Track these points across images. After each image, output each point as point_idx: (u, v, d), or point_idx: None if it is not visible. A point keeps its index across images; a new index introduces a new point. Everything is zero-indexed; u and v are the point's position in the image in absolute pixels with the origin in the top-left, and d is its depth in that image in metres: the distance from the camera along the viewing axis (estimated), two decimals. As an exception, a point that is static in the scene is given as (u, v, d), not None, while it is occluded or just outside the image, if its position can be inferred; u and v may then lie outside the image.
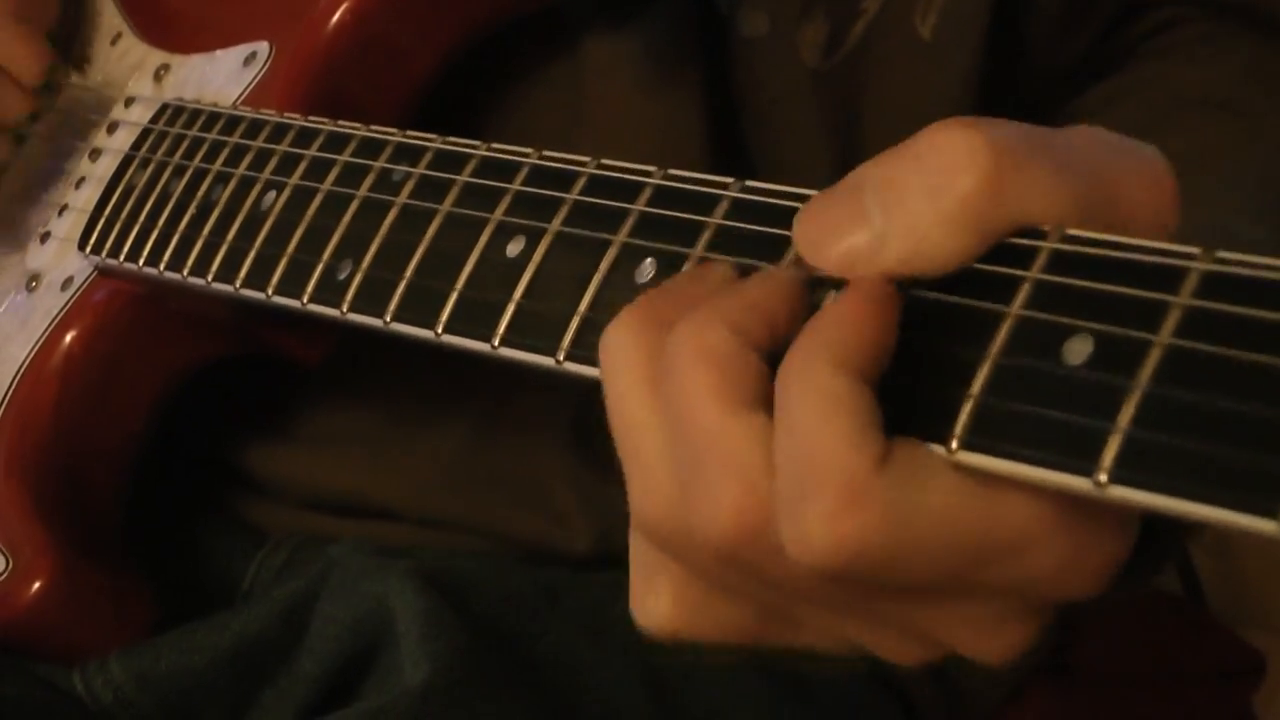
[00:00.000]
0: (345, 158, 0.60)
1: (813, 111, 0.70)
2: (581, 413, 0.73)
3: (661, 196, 0.49)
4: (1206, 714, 0.93)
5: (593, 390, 0.47)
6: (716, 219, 0.47)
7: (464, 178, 0.55)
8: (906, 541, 0.38)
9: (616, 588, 0.72)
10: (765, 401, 0.40)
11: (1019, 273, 0.39)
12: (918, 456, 0.39)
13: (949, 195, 0.40)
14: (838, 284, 0.42)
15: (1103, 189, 0.40)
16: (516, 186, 0.53)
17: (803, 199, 0.45)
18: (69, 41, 0.79)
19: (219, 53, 0.72)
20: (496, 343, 0.50)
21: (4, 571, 0.67)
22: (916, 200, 0.40)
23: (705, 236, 0.47)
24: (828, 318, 0.40)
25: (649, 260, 0.48)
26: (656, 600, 0.44)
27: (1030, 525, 0.39)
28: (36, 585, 0.66)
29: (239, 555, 0.77)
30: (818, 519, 0.38)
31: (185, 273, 0.64)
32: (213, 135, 0.66)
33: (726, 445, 0.39)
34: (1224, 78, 0.72)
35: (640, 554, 0.44)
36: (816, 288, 0.43)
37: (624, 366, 0.43)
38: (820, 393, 0.38)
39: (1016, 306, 0.39)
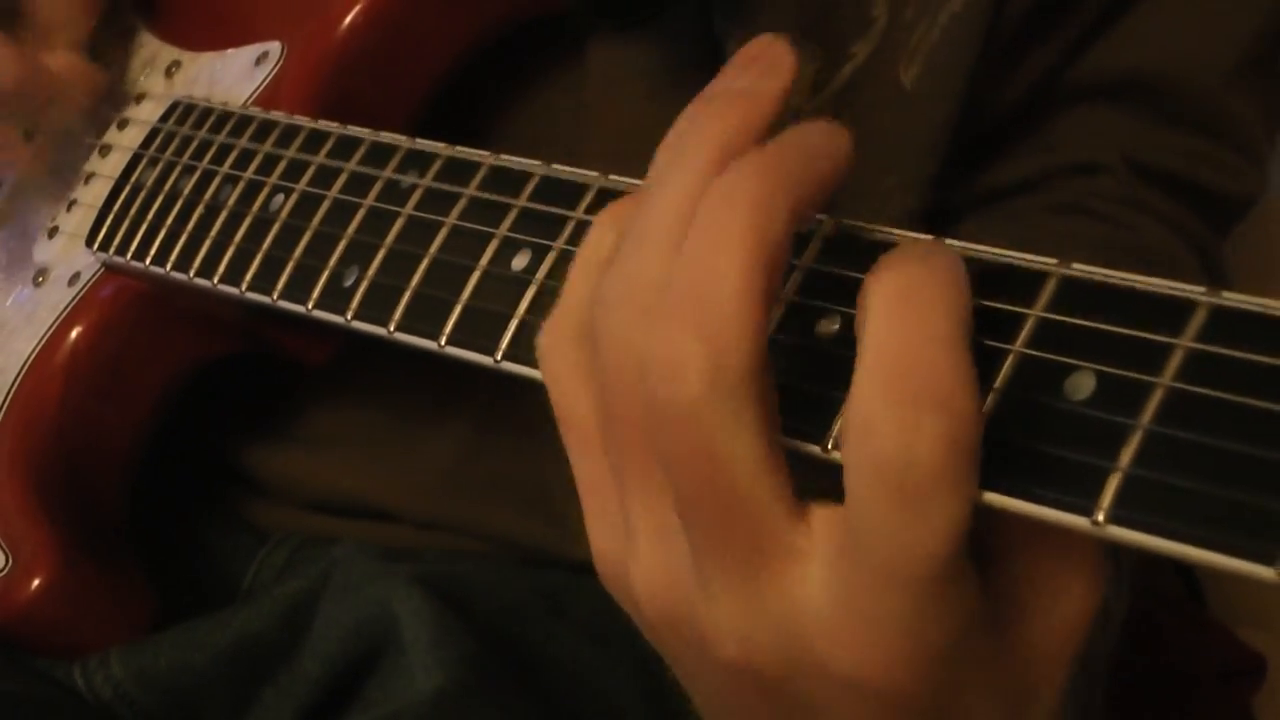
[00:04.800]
0: (354, 163, 0.60)
1: None
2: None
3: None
4: (1206, 714, 0.92)
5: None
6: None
7: (471, 188, 0.55)
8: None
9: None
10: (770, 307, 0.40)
11: (1022, 310, 0.39)
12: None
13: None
14: None
15: None
16: (524, 199, 0.53)
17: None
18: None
19: (230, 51, 0.72)
20: (499, 357, 0.50)
21: (5, 568, 0.67)
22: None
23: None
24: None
25: (654, 278, 0.47)
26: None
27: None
28: (37, 582, 0.66)
29: (240, 555, 0.78)
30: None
31: (191, 273, 0.64)
32: (223, 135, 0.66)
33: (725, 324, 0.39)
34: (1141, 237, 0.73)
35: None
36: None
37: (674, 182, 0.42)
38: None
39: (1020, 342, 0.39)
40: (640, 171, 0.52)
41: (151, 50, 0.76)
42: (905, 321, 0.37)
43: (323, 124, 0.63)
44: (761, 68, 0.44)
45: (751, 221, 0.39)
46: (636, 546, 0.43)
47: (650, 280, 0.41)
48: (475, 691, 0.64)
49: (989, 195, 0.76)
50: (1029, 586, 0.41)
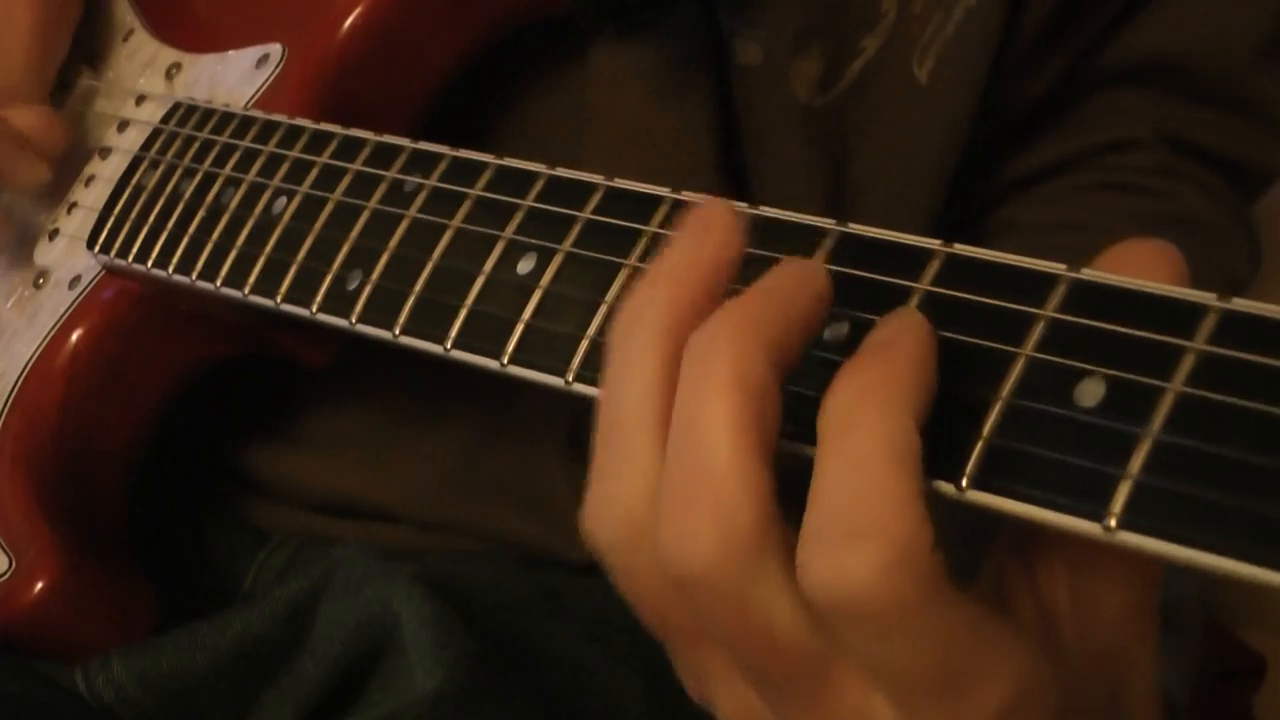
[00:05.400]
0: (357, 166, 0.59)
1: (802, 146, 0.70)
2: (579, 420, 0.73)
3: (675, 219, 0.49)
4: (1206, 714, 0.93)
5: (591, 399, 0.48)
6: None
7: (476, 191, 0.55)
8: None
9: (616, 592, 0.73)
10: (773, 451, 0.40)
11: (1033, 310, 0.40)
12: None
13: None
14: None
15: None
16: (529, 202, 0.53)
17: (819, 226, 0.45)
18: (80, 37, 0.79)
19: (231, 53, 0.72)
20: (505, 360, 0.50)
21: (7, 571, 0.67)
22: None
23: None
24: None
25: (661, 283, 0.47)
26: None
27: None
28: (40, 585, 0.66)
29: (240, 556, 0.78)
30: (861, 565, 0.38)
31: (194, 276, 0.63)
32: (224, 138, 0.66)
33: (725, 491, 0.39)
34: (1182, 205, 0.73)
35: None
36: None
37: (640, 363, 0.42)
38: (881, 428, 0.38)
39: (1029, 346, 0.39)
40: (641, 172, 0.52)
41: (150, 52, 0.76)
42: (838, 455, 0.38)
43: (325, 126, 0.62)
44: (700, 235, 0.43)
45: (732, 384, 0.39)
46: (715, 697, 0.44)
47: (642, 495, 0.41)
48: (476, 691, 0.64)
49: (1020, 181, 0.76)
50: (1075, 580, 0.41)
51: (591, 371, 0.48)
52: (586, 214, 0.51)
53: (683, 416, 0.40)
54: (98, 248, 0.69)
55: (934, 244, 0.42)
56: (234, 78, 0.71)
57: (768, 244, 0.46)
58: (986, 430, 0.39)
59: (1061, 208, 0.75)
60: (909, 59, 0.69)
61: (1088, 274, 0.39)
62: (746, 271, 0.43)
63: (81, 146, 0.74)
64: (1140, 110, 0.75)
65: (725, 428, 0.39)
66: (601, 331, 0.48)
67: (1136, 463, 0.36)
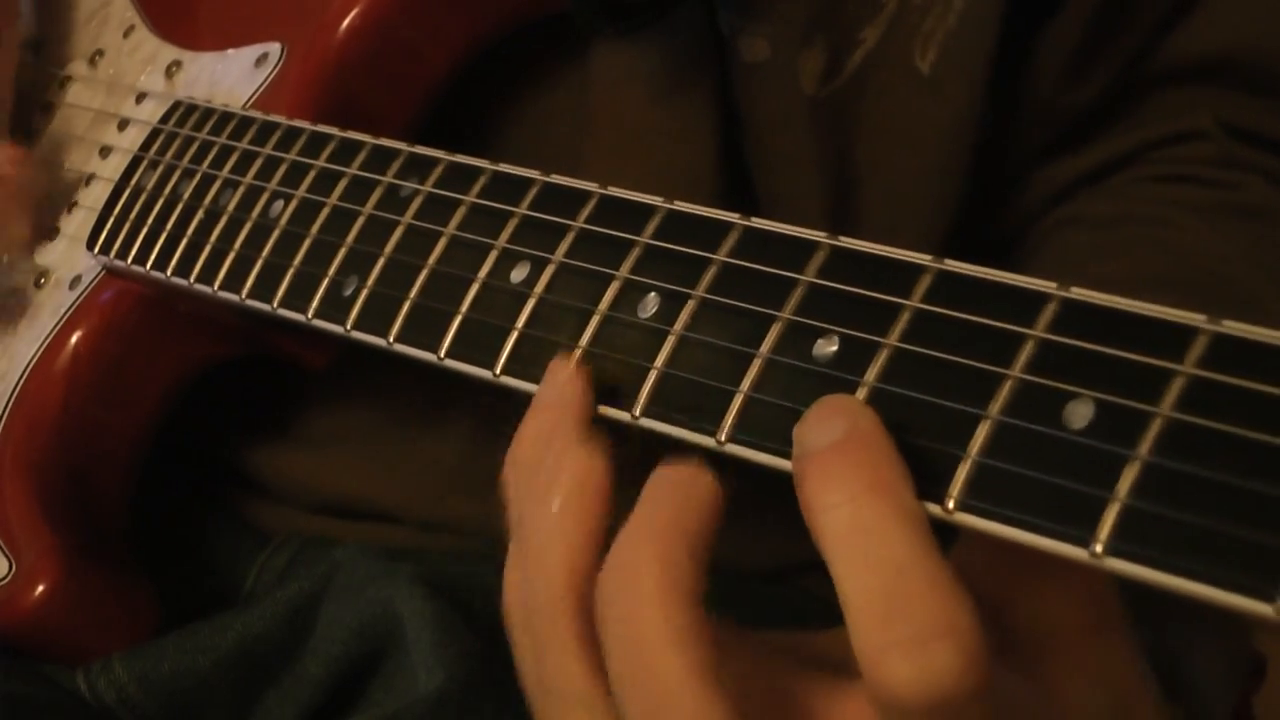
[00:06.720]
0: (354, 170, 0.59)
1: (808, 138, 0.70)
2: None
3: (668, 228, 0.48)
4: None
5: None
6: (722, 256, 0.46)
7: (470, 198, 0.54)
8: None
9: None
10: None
11: (1023, 330, 0.39)
12: None
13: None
14: None
15: None
16: (523, 210, 0.52)
17: (810, 239, 0.45)
18: (82, 32, 0.79)
19: (231, 52, 0.72)
20: (498, 371, 0.50)
21: (8, 575, 0.67)
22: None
23: (710, 274, 0.46)
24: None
25: (653, 295, 0.47)
26: None
27: None
28: (40, 589, 0.66)
29: (241, 557, 0.77)
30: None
31: (192, 279, 0.63)
32: (222, 139, 0.66)
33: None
34: (1247, 195, 0.72)
35: None
36: None
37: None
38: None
39: (1018, 367, 0.39)
40: (643, 172, 0.51)
41: (151, 49, 0.76)
42: (868, 567, 0.38)
43: (322, 128, 0.62)
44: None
45: (673, 638, 0.41)
46: None
47: None
48: (477, 690, 0.64)
49: (1084, 178, 0.76)
50: (1024, 600, 0.41)
51: None
52: (580, 223, 0.50)
53: (635, 677, 0.41)
54: (98, 248, 0.69)
55: (925, 259, 0.42)
56: (233, 76, 0.71)
57: (760, 257, 0.45)
58: (973, 451, 0.38)
59: (1124, 201, 0.74)
60: (909, 50, 0.69)
61: (1078, 293, 0.39)
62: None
63: (82, 145, 0.74)
64: (1199, 103, 0.74)
65: (685, 687, 0.40)
66: (594, 343, 0.48)
67: (1125, 486, 0.36)
